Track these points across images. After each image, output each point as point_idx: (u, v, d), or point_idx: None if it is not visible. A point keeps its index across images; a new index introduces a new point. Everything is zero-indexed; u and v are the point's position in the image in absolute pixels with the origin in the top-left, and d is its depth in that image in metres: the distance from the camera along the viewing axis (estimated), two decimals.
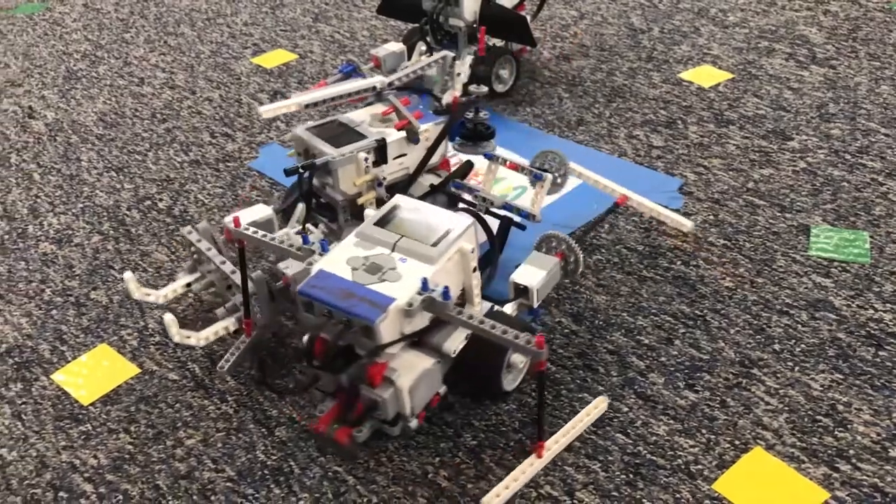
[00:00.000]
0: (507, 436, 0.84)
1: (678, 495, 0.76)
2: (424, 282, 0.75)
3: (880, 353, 0.89)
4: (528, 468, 0.77)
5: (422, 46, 1.43)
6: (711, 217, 1.11)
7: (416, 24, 1.47)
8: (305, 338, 0.76)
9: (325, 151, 1.00)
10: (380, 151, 1.02)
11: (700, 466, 0.79)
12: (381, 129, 1.06)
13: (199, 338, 0.90)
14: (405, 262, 0.78)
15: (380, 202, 0.99)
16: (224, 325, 0.92)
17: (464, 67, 1.37)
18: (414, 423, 0.78)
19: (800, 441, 0.80)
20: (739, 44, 1.58)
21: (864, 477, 0.77)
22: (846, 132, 1.28)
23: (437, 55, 1.16)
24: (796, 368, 0.88)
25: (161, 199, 1.25)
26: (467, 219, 0.83)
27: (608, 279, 1.02)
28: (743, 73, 1.47)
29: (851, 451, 0.79)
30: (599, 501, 0.76)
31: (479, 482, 0.79)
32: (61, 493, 0.82)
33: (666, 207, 1.09)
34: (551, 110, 1.40)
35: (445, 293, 0.73)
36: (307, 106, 1.05)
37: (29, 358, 0.98)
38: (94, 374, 0.96)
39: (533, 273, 0.90)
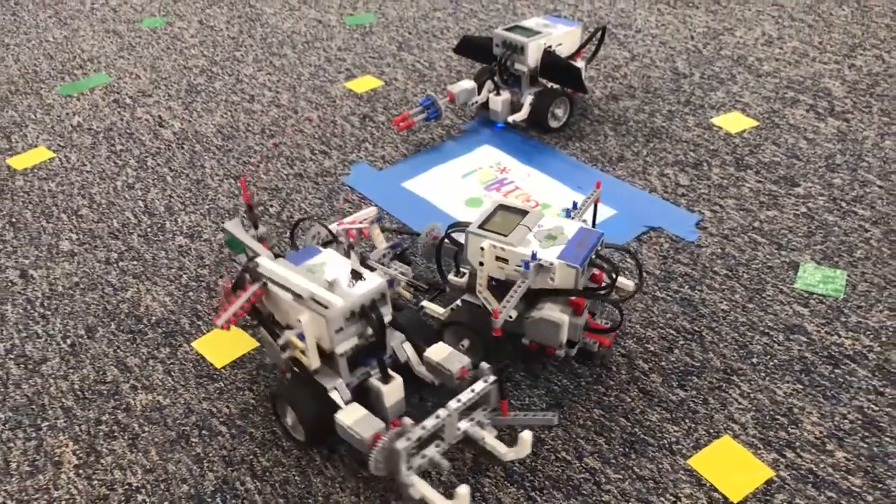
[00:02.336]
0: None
1: (661, 466, 1.02)
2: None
3: (836, 370, 1.13)
4: None
5: (490, 84, 1.71)
6: (719, 250, 1.35)
7: (487, 65, 1.74)
8: None
9: None
10: None
11: (680, 446, 1.04)
12: None
13: None
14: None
15: None
16: None
17: (525, 104, 1.65)
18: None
19: (759, 433, 1.05)
20: (769, 93, 1.80)
21: (804, 463, 1.01)
22: (846, 182, 1.50)
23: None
24: (767, 378, 1.12)
25: (272, 206, 1.54)
26: None
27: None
28: (767, 121, 1.70)
29: (797, 444, 1.03)
30: (601, 465, 1.02)
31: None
32: (204, 432, 1.11)
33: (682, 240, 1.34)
34: (596, 146, 1.65)
35: None
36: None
37: (174, 329, 1.28)
38: (223, 344, 1.25)
39: None
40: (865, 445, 1.02)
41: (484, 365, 0.98)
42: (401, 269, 1.21)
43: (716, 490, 0.98)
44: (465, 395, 0.95)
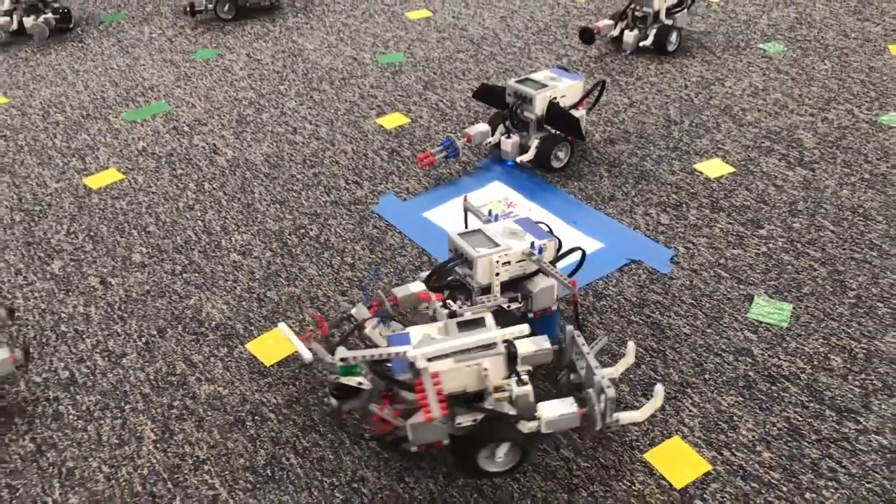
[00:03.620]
0: None
1: (621, 458, 1.27)
2: None
3: (772, 387, 1.37)
4: None
5: (502, 128, 1.97)
6: (688, 282, 1.60)
7: (500, 111, 2.00)
8: None
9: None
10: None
11: (638, 443, 1.29)
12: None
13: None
14: None
15: None
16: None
17: (532, 146, 1.90)
18: None
19: (703, 436, 1.30)
20: (748, 142, 2.05)
21: (736, 460, 1.26)
22: (804, 226, 1.74)
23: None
24: (714, 391, 1.37)
25: (311, 229, 1.81)
26: None
27: (607, 319, 1.53)
28: (743, 168, 1.95)
29: (733, 445, 1.28)
30: (574, 455, 1.28)
31: None
32: (256, 417, 1.37)
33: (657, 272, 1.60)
34: (592, 186, 1.91)
35: None
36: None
37: (230, 332, 1.55)
38: (271, 346, 1.51)
39: None
40: (787, 448, 1.27)
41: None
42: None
43: (664, 479, 1.23)
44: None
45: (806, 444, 1.28)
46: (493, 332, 1.19)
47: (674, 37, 2.47)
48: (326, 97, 2.35)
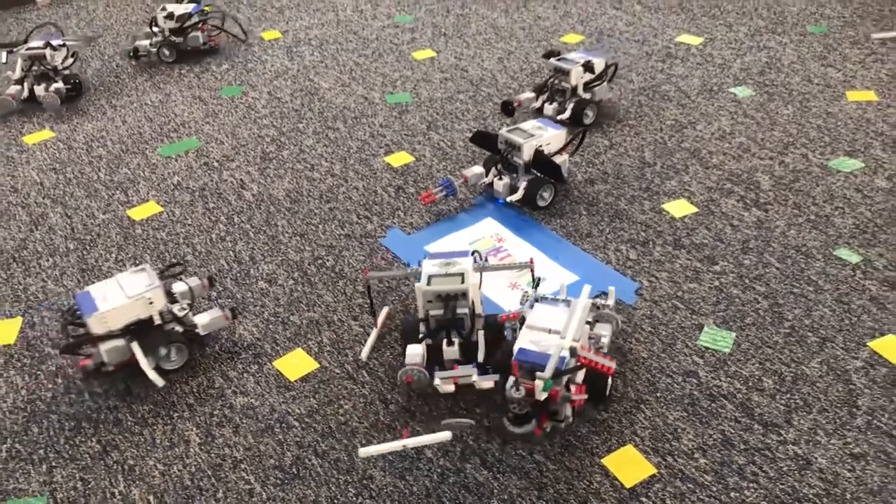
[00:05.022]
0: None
1: (583, 462, 1.55)
2: None
3: (712, 405, 1.65)
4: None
5: (495, 170, 2.24)
6: (649, 312, 1.88)
7: (493, 155, 2.28)
8: None
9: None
10: None
11: (598, 449, 1.57)
12: None
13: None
14: None
15: None
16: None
17: (521, 187, 2.17)
18: None
19: (651, 444, 1.57)
20: (712, 183, 2.32)
21: (676, 465, 1.54)
22: (753, 263, 2.02)
23: None
24: (664, 407, 1.65)
25: (328, 260, 2.09)
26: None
27: None
28: (705, 208, 2.22)
29: (675, 452, 1.56)
30: (544, 459, 1.55)
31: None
32: (283, 425, 1.65)
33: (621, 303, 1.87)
34: (572, 223, 2.18)
35: None
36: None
37: (259, 351, 1.83)
38: (295, 364, 1.79)
39: None
40: (720, 455, 1.55)
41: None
42: None
43: (616, 479, 1.51)
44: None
45: (735, 452, 1.55)
46: None
47: (590, 111, 2.57)
48: (340, 136, 2.62)
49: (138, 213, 2.30)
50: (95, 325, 1.64)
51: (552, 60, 2.58)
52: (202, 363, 1.80)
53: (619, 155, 2.46)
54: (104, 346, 1.67)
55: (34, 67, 2.82)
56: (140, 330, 1.69)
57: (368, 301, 1.78)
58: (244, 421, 1.66)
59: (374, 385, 1.72)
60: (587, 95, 2.59)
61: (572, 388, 1.54)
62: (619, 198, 2.27)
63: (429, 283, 1.66)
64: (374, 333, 1.80)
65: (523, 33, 3.28)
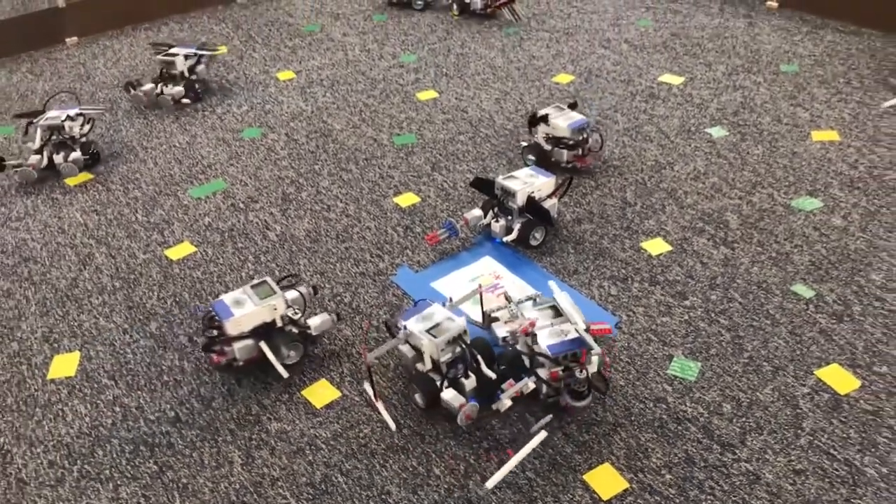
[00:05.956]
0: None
1: (567, 477, 1.83)
2: None
3: (678, 427, 1.93)
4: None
5: (491, 213, 2.51)
6: (626, 344, 2.16)
7: (490, 199, 2.56)
8: None
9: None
10: None
11: (580, 467, 1.85)
12: None
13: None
14: None
15: None
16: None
17: (515, 228, 2.44)
18: None
19: (625, 462, 1.86)
20: (685, 223, 2.60)
21: (646, 480, 1.82)
22: (719, 298, 2.30)
23: None
24: (637, 430, 1.93)
25: (346, 297, 2.37)
26: None
27: None
28: (678, 246, 2.50)
29: (646, 469, 1.84)
30: (535, 476, 1.84)
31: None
32: (312, 447, 1.93)
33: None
34: (560, 261, 2.46)
35: None
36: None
37: (289, 381, 2.11)
38: (320, 393, 2.07)
39: None
40: (683, 472, 1.83)
41: None
42: None
43: (595, 493, 1.80)
44: None
45: (696, 469, 1.84)
46: None
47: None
48: (353, 177, 2.90)
49: (175, 252, 2.59)
50: (231, 328, 2.03)
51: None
52: (239, 392, 2.08)
53: (604, 195, 2.74)
54: (237, 345, 2.05)
55: (53, 137, 2.96)
56: (265, 331, 2.06)
57: (370, 385, 2.02)
58: (279, 444, 1.94)
59: (389, 412, 2.01)
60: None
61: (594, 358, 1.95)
62: (603, 237, 2.55)
63: (436, 337, 1.93)
64: (380, 406, 2.01)
65: (518, 73, 3.56)
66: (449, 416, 1.94)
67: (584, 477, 1.83)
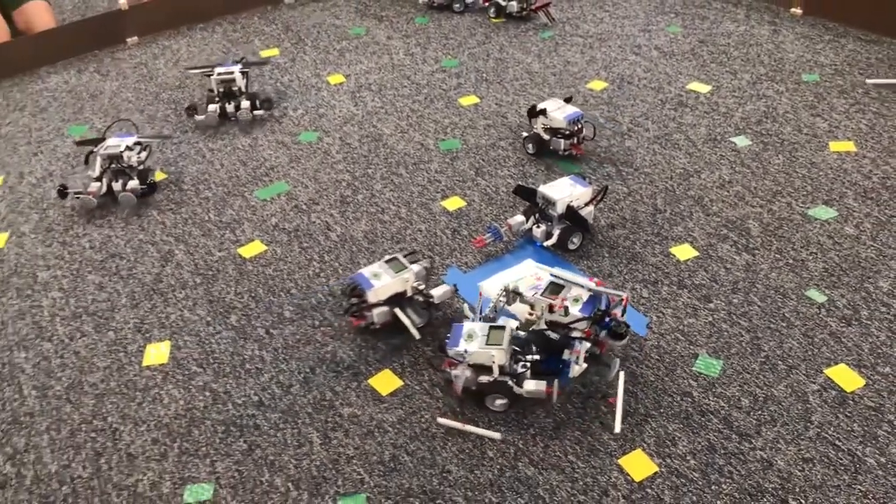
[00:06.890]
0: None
1: (604, 462, 2.10)
2: None
3: (702, 419, 2.19)
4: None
5: (532, 219, 2.77)
6: (656, 343, 2.42)
7: (532, 206, 2.82)
8: None
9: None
10: None
11: (615, 452, 2.11)
12: None
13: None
14: None
15: None
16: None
17: (555, 234, 2.70)
18: None
19: (656, 449, 2.12)
20: (711, 230, 2.85)
21: (673, 465, 2.09)
22: (741, 301, 2.55)
23: None
24: (665, 420, 2.19)
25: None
26: None
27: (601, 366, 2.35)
28: (704, 252, 2.75)
29: (673, 455, 2.11)
30: (576, 459, 2.11)
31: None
32: (380, 429, 2.21)
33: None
34: (596, 265, 2.72)
35: None
36: None
37: (357, 371, 2.39)
38: (385, 382, 2.35)
39: None
40: (705, 458, 2.10)
41: None
42: None
43: (629, 475, 2.07)
44: None
45: (717, 455, 2.11)
46: None
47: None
48: (403, 181, 3.17)
49: (247, 251, 2.86)
50: (372, 297, 2.36)
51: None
52: (314, 379, 2.37)
53: (636, 202, 2.99)
54: (375, 311, 2.39)
55: (112, 164, 3.06)
56: (398, 299, 2.40)
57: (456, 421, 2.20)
58: (351, 426, 2.23)
59: (445, 399, 2.28)
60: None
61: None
62: (635, 242, 2.80)
63: (500, 345, 2.19)
64: (472, 428, 2.20)
65: (554, 79, 3.80)
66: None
67: (619, 461, 2.10)
